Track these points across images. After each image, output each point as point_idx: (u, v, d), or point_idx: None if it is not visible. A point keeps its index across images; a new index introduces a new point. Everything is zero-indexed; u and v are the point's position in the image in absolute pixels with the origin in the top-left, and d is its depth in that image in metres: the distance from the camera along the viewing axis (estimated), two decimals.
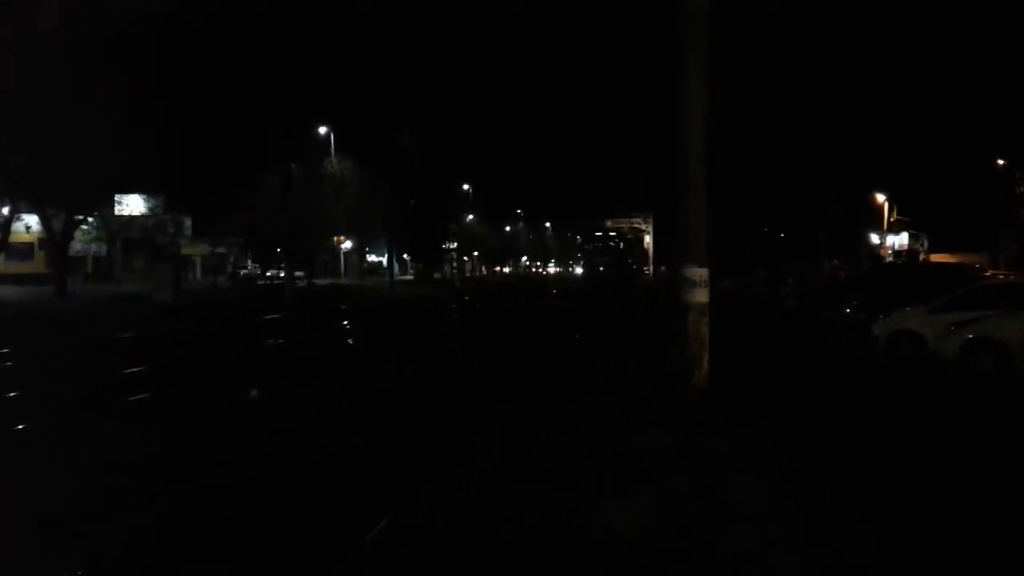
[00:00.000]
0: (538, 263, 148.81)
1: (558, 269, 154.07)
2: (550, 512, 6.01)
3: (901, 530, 5.65)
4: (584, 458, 7.68)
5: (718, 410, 9.38)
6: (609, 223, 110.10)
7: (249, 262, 67.10)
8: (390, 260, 65.73)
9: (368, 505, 6.34)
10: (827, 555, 5.17)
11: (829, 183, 42.42)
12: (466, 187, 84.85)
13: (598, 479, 6.87)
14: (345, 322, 26.89)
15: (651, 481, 6.74)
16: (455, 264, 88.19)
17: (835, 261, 45.76)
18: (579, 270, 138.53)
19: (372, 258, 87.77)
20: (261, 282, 58.35)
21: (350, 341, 21.69)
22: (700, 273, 10.15)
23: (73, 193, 33.69)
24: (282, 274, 51.08)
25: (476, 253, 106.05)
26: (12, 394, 11.41)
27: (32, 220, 39.20)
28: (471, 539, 5.58)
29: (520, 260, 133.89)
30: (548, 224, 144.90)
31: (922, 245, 53.41)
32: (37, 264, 50.40)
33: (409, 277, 78.57)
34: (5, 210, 36.30)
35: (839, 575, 4.92)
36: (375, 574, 5.25)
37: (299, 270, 50.30)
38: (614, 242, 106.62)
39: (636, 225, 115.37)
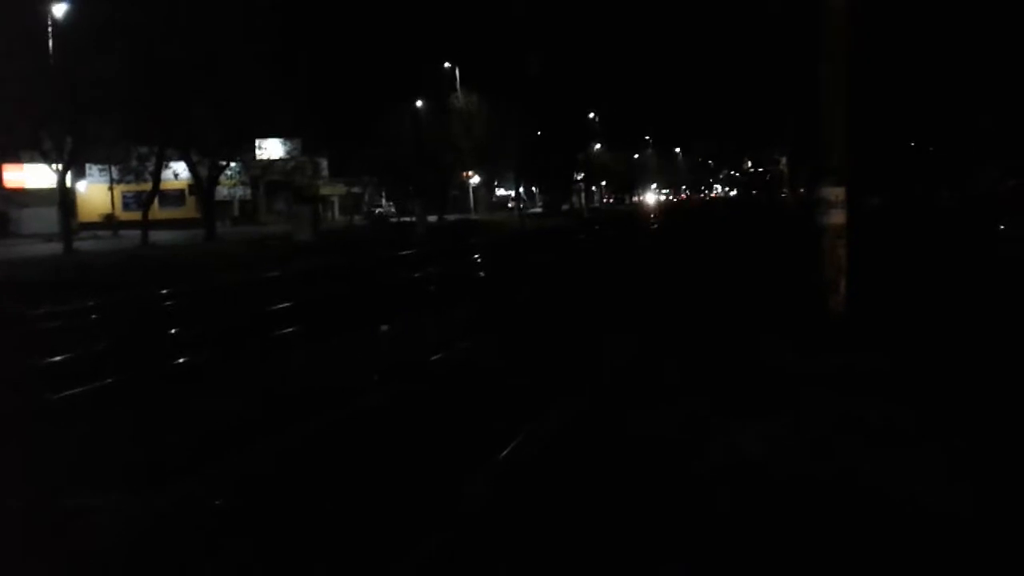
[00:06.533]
0: (667, 190, 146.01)
1: (702, 194, 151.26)
2: (678, 431, 6.05)
3: None
4: (717, 376, 7.66)
5: (855, 334, 9.09)
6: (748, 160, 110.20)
7: (383, 200, 68.98)
8: (518, 193, 66.03)
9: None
10: (968, 487, 4.97)
11: (983, 85, 38.79)
12: (592, 115, 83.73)
13: (730, 399, 6.84)
14: (477, 255, 27.35)
15: (783, 402, 6.66)
16: (583, 194, 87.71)
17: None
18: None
19: (500, 192, 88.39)
20: (394, 219, 59.94)
21: (481, 274, 22.11)
22: (836, 193, 9.75)
23: (217, 139, 35.36)
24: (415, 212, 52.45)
25: (604, 183, 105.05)
26: (173, 331, 12.30)
27: (180, 167, 41.36)
28: (596, 455, 5.69)
29: (649, 188, 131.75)
30: (678, 150, 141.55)
31: None
32: (189, 209, 53.47)
33: (538, 210, 78.69)
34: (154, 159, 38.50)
35: (980, 506, 4.73)
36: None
37: (430, 206, 51.34)
38: (751, 171, 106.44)
39: (774, 159, 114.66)
